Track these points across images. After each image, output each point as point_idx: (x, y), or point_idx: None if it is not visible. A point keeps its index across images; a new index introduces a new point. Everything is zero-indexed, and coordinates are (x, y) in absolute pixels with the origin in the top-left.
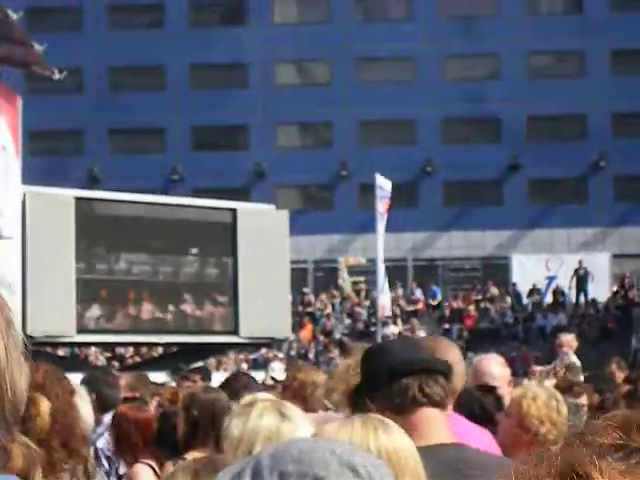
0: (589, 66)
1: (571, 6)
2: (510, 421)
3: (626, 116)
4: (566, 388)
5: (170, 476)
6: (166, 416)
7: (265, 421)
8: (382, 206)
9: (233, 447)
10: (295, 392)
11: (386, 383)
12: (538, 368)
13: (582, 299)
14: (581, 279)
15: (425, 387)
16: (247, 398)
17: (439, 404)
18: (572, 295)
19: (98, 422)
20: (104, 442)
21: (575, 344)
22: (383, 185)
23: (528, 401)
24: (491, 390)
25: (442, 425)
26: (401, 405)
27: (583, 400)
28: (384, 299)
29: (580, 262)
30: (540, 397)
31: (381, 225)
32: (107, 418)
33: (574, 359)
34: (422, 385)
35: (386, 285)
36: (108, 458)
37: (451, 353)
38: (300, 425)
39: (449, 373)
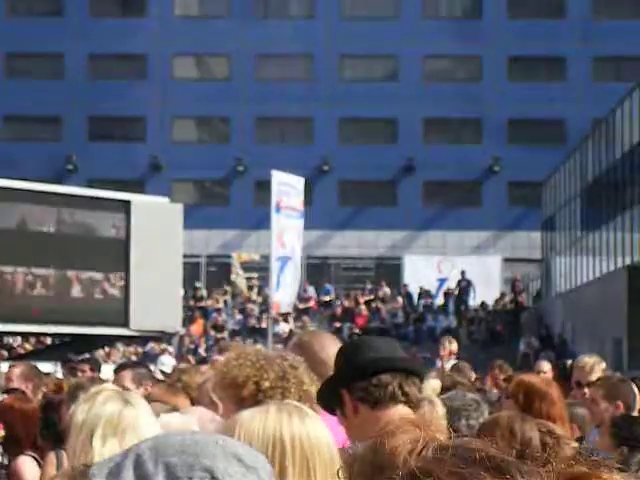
0: (486, 71)
1: (470, 11)
2: None
3: (521, 122)
4: (450, 387)
5: None
6: (51, 406)
7: (108, 407)
8: (298, 203)
9: (76, 431)
10: (181, 390)
11: (367, 377)
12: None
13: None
14: (463, 290)
15: (405, 386)
16: (94, 388)
17: (414, 405)
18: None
19: None
20: None
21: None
22: (292, 181)
23: None
24: None
25: None
26: (379, 399)
27: None
28: (280, 295)
29: (463, 273)
30: None
31: (299, 222)
32: None
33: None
34: (402, 383)
35: (289, 280)
36: None
37: (333, 347)
38: (143, 412)
39: (423, 377)
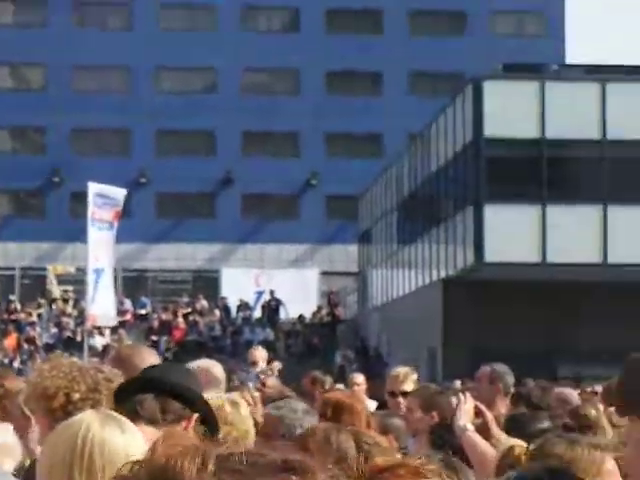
0: (304, 84)
1: (289, 25)
2: None
3: (339, 136)
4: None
5: None
6: None
7: None
8: (111, 215)
9: None
10: None
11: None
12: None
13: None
14: (273, 310)
15: (137, 405)
16: None
17: (151, 422)
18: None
19: None
20: None
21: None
22: (110, 193)
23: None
24: None
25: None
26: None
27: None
28: (96, 308)
29: (272, 292)
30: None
31: (110, 234)
32: None
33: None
34: (136, 402)
35: (106, 293)
36: None
37: (152, 360)
38: None
39: (192, 399)
